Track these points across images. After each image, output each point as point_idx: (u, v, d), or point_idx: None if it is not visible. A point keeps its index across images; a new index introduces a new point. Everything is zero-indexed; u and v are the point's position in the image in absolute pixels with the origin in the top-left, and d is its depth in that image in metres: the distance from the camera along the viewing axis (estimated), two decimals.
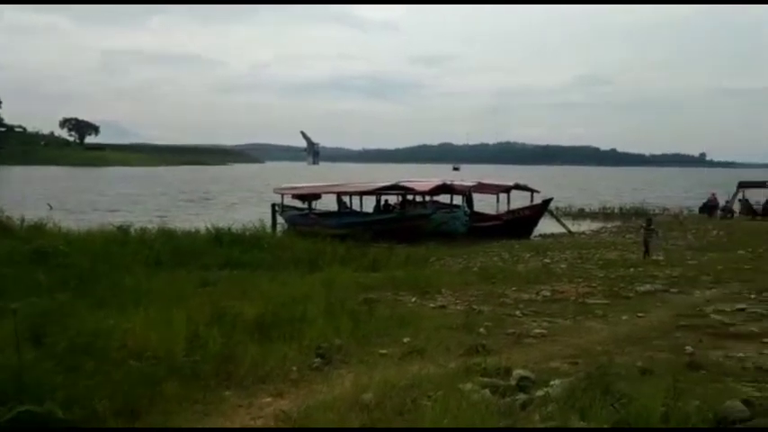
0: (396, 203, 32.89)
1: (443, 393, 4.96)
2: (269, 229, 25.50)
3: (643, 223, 20.92)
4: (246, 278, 13.20)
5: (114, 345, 6.54)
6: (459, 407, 4.63)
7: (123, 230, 19.44)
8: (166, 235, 19.60)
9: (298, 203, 33.25)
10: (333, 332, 7.98)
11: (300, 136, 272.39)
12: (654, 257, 17.84)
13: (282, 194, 33.10)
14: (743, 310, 9.97)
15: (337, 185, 36.24)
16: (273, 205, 32.40)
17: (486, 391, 5.05)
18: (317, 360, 6.94)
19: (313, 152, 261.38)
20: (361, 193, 32.74)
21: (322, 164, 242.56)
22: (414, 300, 11.66)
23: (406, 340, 7.97)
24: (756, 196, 34.88)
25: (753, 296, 11.24)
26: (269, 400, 5.79)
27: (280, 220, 31.82)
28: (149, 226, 21.53)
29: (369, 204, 33.45)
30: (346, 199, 33.61)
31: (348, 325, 8.39)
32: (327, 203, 34.04)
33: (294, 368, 6.60)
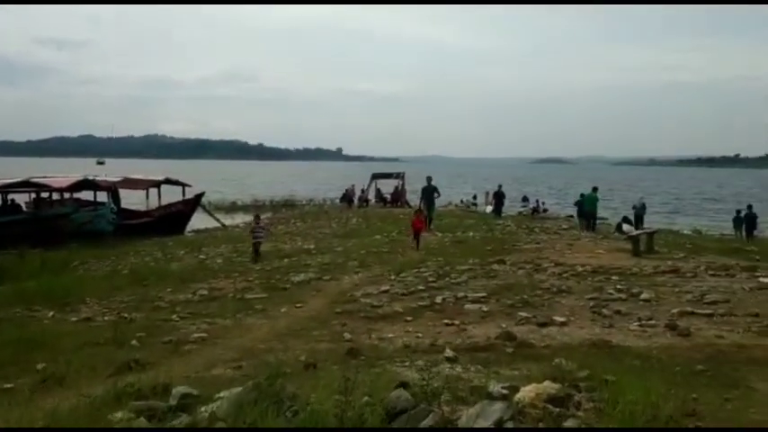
0: (27, 203, 28.89)
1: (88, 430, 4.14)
2: None
3: (252, 222, 18.50)
4: None
5: None
6: None
7: None
8: None
9: None
10: None
11: None
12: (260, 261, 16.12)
13: None
14: (387, 291, 10.83)
15: None
16: None
17: (143, 419, 4.37)
18: None
19: None
20: None
21: None
22: (51, 314, 10.20)
23: (40, 367, 6.75)
24: (386, 186, 39.31)
25: (393, 277, 12.32)
26: None
27: None
28: None
29: None
30: None
31: None
32: None
33: None
